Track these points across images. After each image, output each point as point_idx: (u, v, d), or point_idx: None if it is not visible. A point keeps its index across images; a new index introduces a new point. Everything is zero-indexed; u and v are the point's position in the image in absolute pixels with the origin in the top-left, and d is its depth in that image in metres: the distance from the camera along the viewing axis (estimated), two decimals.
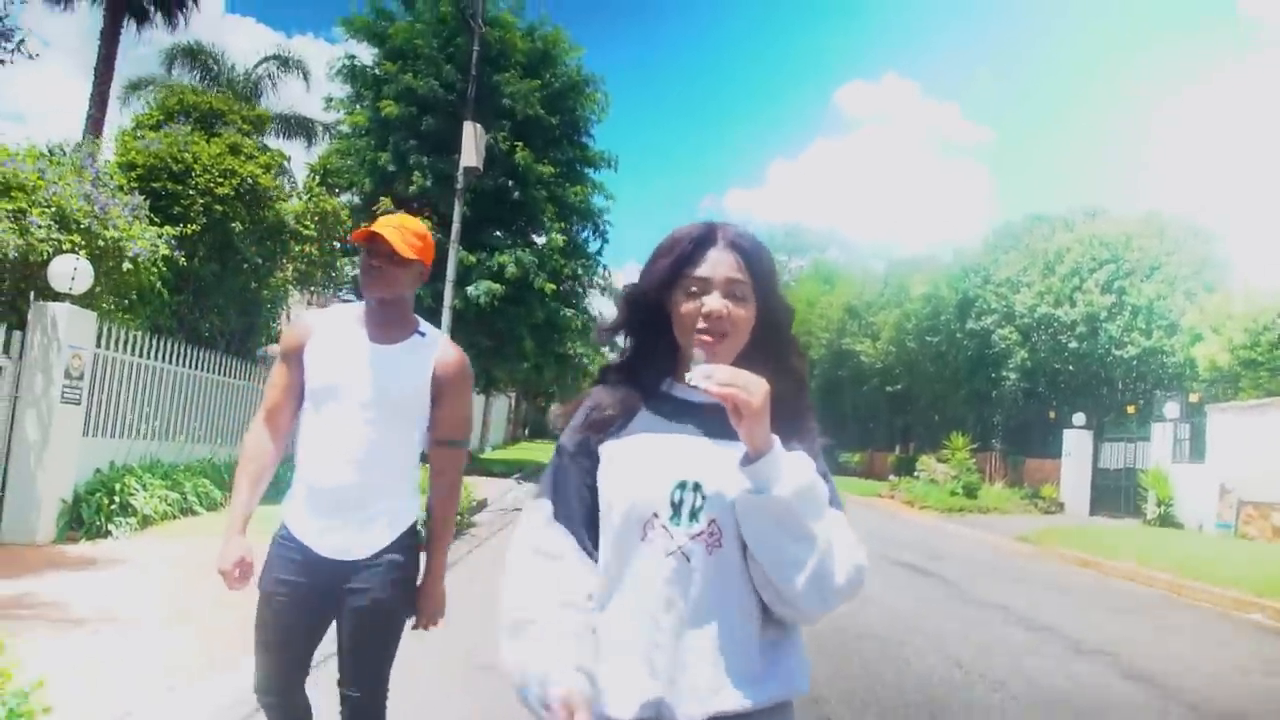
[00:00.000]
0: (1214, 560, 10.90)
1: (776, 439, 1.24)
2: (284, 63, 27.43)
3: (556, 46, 19.53)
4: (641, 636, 1.27)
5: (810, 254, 55.09)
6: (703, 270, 1.35)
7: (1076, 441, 19.48)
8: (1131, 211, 21.06)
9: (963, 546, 13.43)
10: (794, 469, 1.24)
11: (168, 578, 6.46)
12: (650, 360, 1.43)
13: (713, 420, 1.30)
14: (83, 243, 8.14)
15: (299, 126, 28.04)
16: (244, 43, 79.27)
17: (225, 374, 11.38)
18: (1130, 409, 18.50)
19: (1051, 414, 20.82)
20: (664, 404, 1.39)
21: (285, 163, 14.07)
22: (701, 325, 1.33)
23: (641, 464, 1.33)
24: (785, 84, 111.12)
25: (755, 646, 1.29)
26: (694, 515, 1.28)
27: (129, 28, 20.71)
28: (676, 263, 1.36)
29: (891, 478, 24.03)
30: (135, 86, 24.45)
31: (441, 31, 18.54)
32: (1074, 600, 8.84)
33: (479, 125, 14.86)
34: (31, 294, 7.90)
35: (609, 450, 1.37)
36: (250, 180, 10.24)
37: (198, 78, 25.22)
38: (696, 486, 1.29)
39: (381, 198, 15.53)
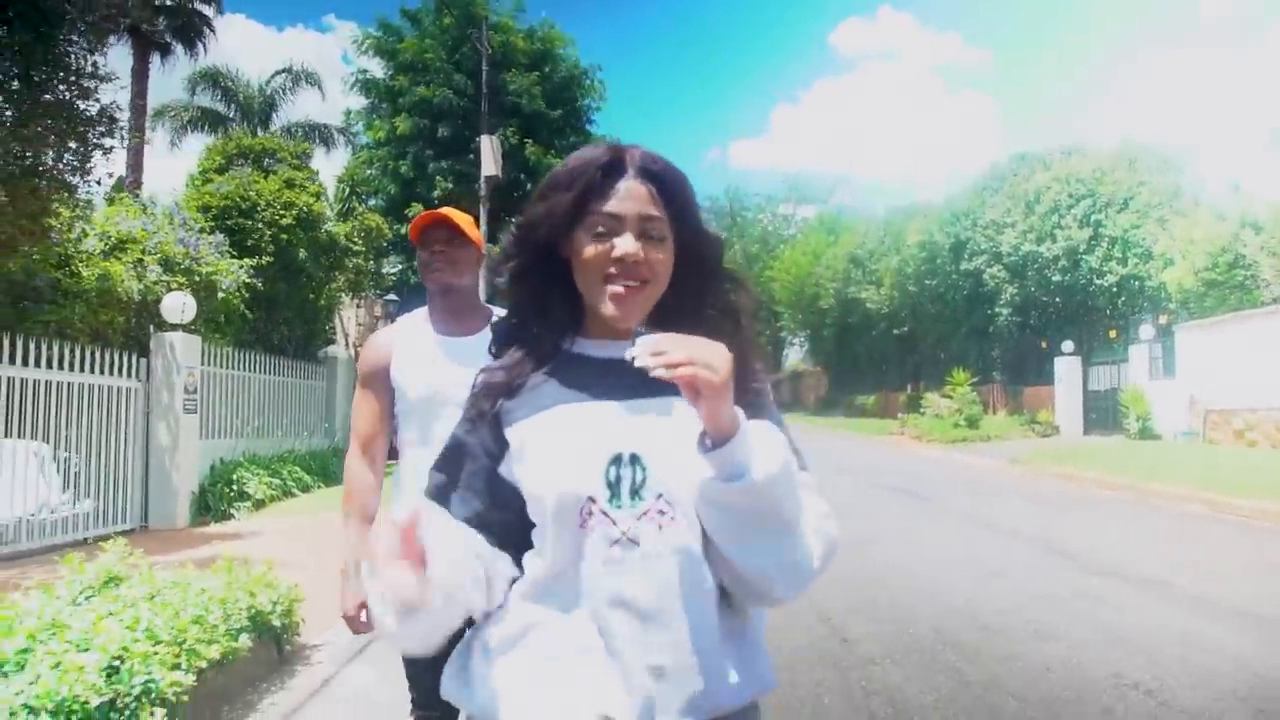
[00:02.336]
0: (1169, 465, 12.51)
1: (742, 416, 1.03)
2: (295, 77, 28.99)
3: (554, 44, 20.95)
4: (596, 642, 1.08)
5: (815, 203, 56.00)
6: (612, 205, 1.12)
7: (1067, 368, 20.96)
8: (1105, 146, 22.24)
9: (954, 471, 15.07)
10: (766, 450, 1.03)
11: (285, 545, 8.20)
12: (545, 316, 1.21)
13: (634, 376, 1.04)
14: (185, 281, 9.87)
15: (315, 134, 29.68)
16: (234, 40, 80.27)
17: (297, 376, 13.20)
18: (1112, 333, 19.94)
19: (1043, 344, 22.28)
20: (573, 367, 1.18)
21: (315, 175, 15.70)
22: (612, 270, 1.12)
23: (563, 442, 1.12)
24: (780, 28, 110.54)
25: (724, 638, 1.10)
26: (636, 493, 1.09)
27: (154, 62, 22.34)
28: (580, 197, 1.13)
29: (900, 415, 25.63)
30: (160, 113, 26.11)
31: (447, 42, 20.00)
32: (1033, 505, 10.48)
33: (495, 138, 16.40)
34: (151, 327, 9.65)
35: (519, 435, 1.16)
36: (306, 209, 11.95)
37: (218, 99, 26.82)
38: (634, 459, 1.09)
39: (413, 203, 17.15)
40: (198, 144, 28.22)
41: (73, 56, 7.59)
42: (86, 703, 2.57)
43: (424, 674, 1.96)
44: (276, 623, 4.16)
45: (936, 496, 11.26)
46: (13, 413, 7.78)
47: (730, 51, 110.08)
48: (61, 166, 7.62)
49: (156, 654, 2.87)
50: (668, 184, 1.15)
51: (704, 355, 0.98)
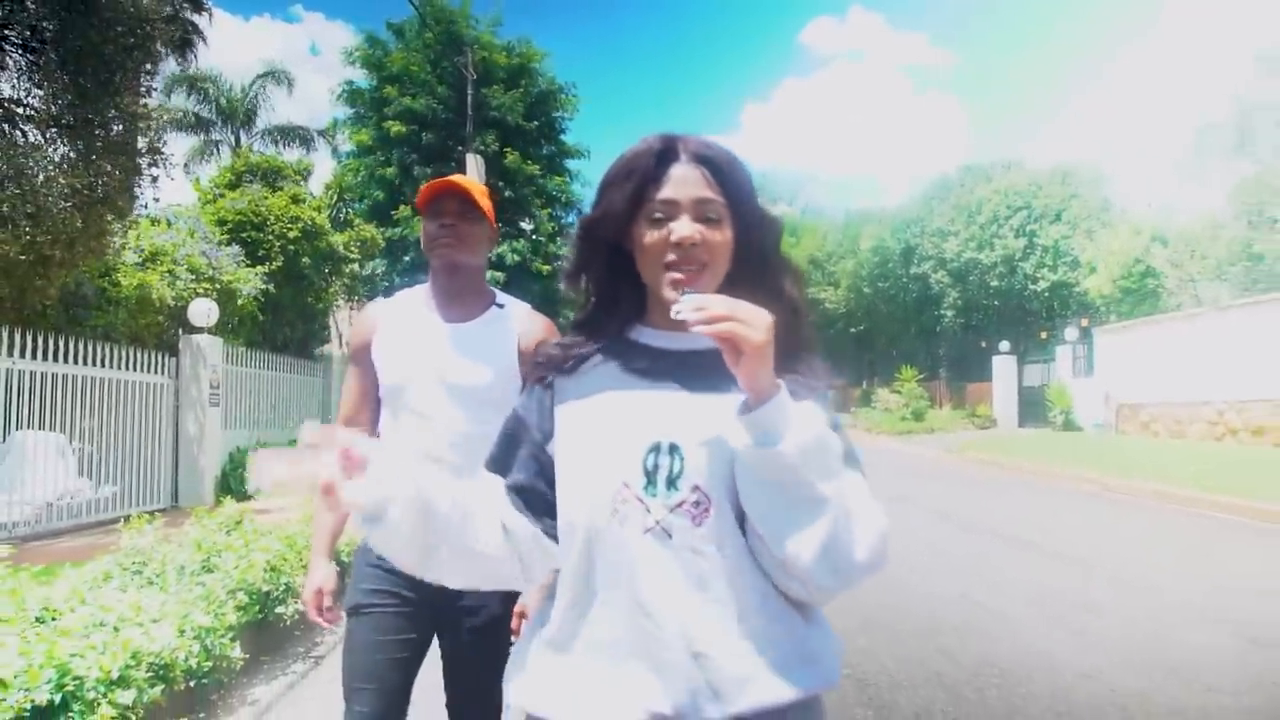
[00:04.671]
0: (1077, 453, 14.26)
1: (783, 385, 1.02)
2: (276, 79, 29.91)
3: (531, 59, 22.28)
4: (633, 633, 1.06)
5: (782, 202, 57.58)
6: (666, 191, 1.12)
7: (1003, 366, 22.79)
8: (1041, 164, 24.12)
9: (895, 459, 16.73)
10: (803, 418, 1.01)
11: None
12: (615, 308, 1.21)
13: (692, 370, 1.11)
14: (209, 288, 11.15)
15: (296, 137, 30.66)
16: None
17: (300, 373, 14.51)
18: (1044, 335, 21.79)
19: (984, 344, 24.13)
20: (632, 354, 1.17)
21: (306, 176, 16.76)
22: (671, 257, 1.11)
23: (606, 425, 1.12)
24: (750, 28, 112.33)
25: (774, 628, 1.07)
26: (672, 482, 1.06)
27: None
28: (637, 187, 1.13)
29: (852, 409, 27.38)
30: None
31: (430, 55, 21.25)
32: (952, 486, 12.12)
33: (479, 156, 17.74)
34: (180, 330, 10.91)
35: (566, 414, 1.17)
36: (310, 222, 13.26)
37: (195, 102, 27.67)
38: (673, 449, 1.07)
39: (400, 205, 18.45)
40: (180, 145, 29.01)
41: (126, 99, 8.85)
42: (257, 589, 4.02)
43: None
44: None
45: (871, 478, 12.85)
46: (66, 406, 9.02)
47: (700, 49, 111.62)
48: (117, 193, 8.89)
49: (301, 561, 4.31)
50: (722, 167, 1.14)
51: (745, 313, 0.98)
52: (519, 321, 1.95)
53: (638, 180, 1.13)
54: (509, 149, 21.07)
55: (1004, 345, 22.75)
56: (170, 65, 26.05)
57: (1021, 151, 24.52)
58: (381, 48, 21.90)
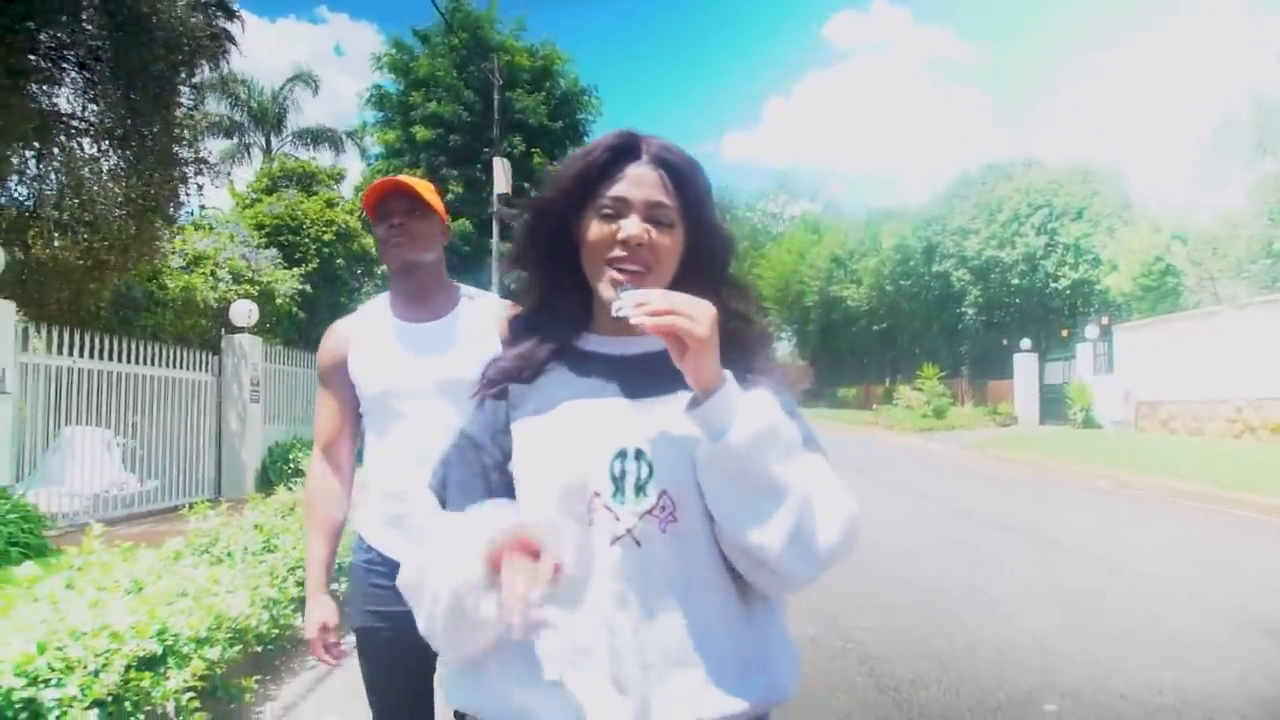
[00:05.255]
0: (1095, 449, 14.44)
1: (729, 374, 1.02)
2: (305, 82, 30.59)
3: (554, 62, 22.72)
4: (597, 643, 1.04)
5: (805, 198, 57.70)
6: (620, 189, 1.10)
7: (1024, 363, 22.90)
8: (1061, 161, 24.18)
9: (915, 456, 16.98)
10: (752, 407, 1.01)
11: None
12: (557, 307, 1.18)
13: (646, 375, 1.10)
14: (249, 290, 11.66)
15: (325, 140, 31.34)
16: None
17: None
18: (1065, 332, 21.89)
19: (1005, 341, 24.22)
20: (583, 363, 1.16)
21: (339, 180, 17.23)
22: (616, 254, 1.09)
23: (569, 435, 1.09)
24: (772, 21, 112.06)
25: (732, 638, 1.07)
26: (640, 489, 1.06)
27: None
28: (586, 176, 1.11)
29: (874, 406, 27.57)
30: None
31: (456, 59, 21.74)
32: (968, 480, 12.37)
33: (506, 160, 18.18)
34: (222, 330, 11.42)
35: (524, 430, 1.13)
36: (344, 225, 13.76)
37: (227, 105, 28.35)
38: (639, 454, 1.06)
39: None
40: (214, 149, 29.71)
41: (174, 112, 9.34)
42: None
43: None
44: None
45: (892, 476, 13.16)
46: (118, 401, 9.51)
47: (723, 43, 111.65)
48: (166, 200, 9.39)
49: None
50: (681, 172, 1.12)
51: (687, 306, 0.97)
52: (493, 309, 1.87)
53: (590, 171, 1.11)
54: (535, 150, 21.51)
55: (1025, 343, 22.87)
56: (206, 72, 26.95)
57: (1045, 147, 24.58)
58: (408, 53, 22.44)
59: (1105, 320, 19.55)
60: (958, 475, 13.34)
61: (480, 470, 1.15)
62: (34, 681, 2.40)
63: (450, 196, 20.91)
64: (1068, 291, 22.29)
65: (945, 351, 27.37)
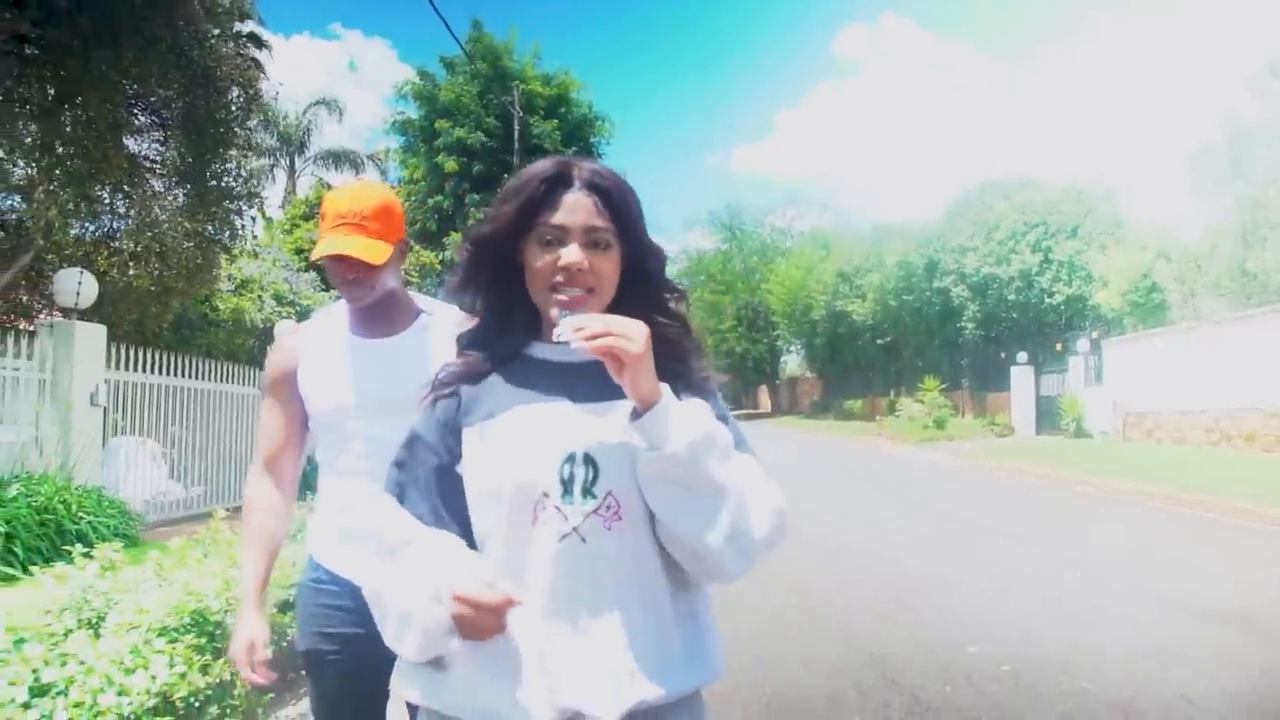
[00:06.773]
0: (1081, 457, 15.31)
1: (666, 387, 1.12)
2: (329, 107, 31.88)
3: (569, 89, 23.85)
4: (541, 636, 1.12)
5: (814, 209, 58.19)
6: (558, 217, 1.17)
7: (1020, 376, 23.76)
8: (1056, 180, 25.12)
9: (914, 465, 17.85)
10: (688, 417, 1.11)
11: None
12: (506, 323, 1.26)
13: (590, 380, 1.17)
14: (290, 311, 12.72)
15: (346, 160, 32.59)
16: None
17: None
18: (1059, 346, 22.75)
19: (1003, 355, 25.07)
20: (532, 370, 1.23)
21: None
22: (558, 279, 1.17)
23: (519, 440, 1.16)
24: (782, 35, 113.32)
25: (668, 630, 1.16)
26: (588, 490, 1.13)
27: None
28: (526, 208, 1.19)
29: (878, 418, 28.43)
30: None
31: (477, 86, 22.88)
32: (961, 488, 13.27)
33: None
34: (267, 348, 12.45)
35: (474, 435, 1.19)
36: None
37: (261, 129, 29.54)
38: (587, 458, 1.14)
39: (450, 233, 20.03)
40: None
41: (232, 152, 10.40)
42: None
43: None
44: None
45: (889, 483, 14.07)
46: (177, 412, 10.51)
47: (733, 57, 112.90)
48: (224, 232, 10.46)
49: None
50: (614, 197, 1.19)
51: (622, 328, 1.06)
52: (453, 324, 1.70)
53: (526, 200, 1.18)
54: None
55: (1022, 356, 23.71)
56: (244, 103, 28.17)
57: (1046, 163, 25.53)
58: (431, 80, 23.60)
59: (1095, 335, 20.43)
60: (949, 482, 14.22)
61: (434, 469, 1.21)
62: (228, 608, 3.38)
63: (471, 222, 22.02)
64: (1062, 307, 23.17)
65: (946, 364, 28.26)
